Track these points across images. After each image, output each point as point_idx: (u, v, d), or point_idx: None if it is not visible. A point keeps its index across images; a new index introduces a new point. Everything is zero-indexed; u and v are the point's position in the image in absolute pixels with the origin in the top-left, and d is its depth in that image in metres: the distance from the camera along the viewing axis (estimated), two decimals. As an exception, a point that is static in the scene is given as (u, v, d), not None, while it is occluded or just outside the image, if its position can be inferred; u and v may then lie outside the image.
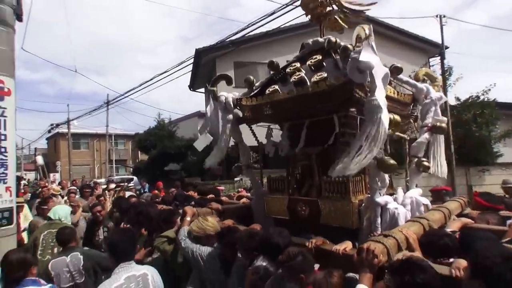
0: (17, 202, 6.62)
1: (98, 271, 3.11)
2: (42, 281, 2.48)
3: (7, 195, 3.37)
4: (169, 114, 21.55)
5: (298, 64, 3.26)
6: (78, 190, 8.73)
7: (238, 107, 3.61)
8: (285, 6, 8.80)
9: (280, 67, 3.52)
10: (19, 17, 3.65)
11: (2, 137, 3.36)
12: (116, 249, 2.30)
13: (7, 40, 3.48)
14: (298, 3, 4.69)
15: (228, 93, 3.64)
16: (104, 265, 3.00)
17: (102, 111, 19.46)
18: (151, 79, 11.86)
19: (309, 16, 3.63)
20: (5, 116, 3.39)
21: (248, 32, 9.63)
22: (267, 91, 3.27)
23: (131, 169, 20.98)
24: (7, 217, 3.34)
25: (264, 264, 2.34)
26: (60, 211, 4.07)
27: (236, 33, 10.03)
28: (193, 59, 11.91)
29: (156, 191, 8.38)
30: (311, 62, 3.13)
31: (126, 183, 12.24)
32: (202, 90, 16.65)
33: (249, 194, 6.08)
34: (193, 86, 15.94)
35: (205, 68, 13.29)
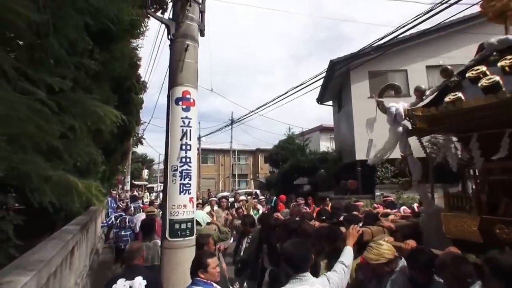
0: (151, 212, 7.32)
1: None
2: (215, 284, 2.50)
3: (190, 206, 3.36)
4: (298, 128, 21.77)
5: (483, 68, 2.87)
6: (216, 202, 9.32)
7: (407, 118, 3.47)
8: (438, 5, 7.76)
9: (455, 72, 3.30)
10: (202, 33, 3.76)
11: (188, 147, 3.40)
12: (291, 260, 2.31)
13: (194, 54, 3.59)
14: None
15: (398, 104, 3.43)
16: None
17: (227, 129, 21.57)
18: (284, 94, 11.95)
19: (487, 14, 3.37)
20: (190, 127, 3.43)
21: (383, 39, 8.81)
22: (447, 99, 2.93)
23: (262, 182, 21.83)
24: (189, 228, 3.32)
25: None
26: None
27: (374, 42, 9.30)
28: (325, 72, 11.51)
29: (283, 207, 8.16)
30: (505, 63, 2.75)
31: (254, 196, 12.51)
32: (330, 103, 16.13)
33: (389, 211, 5.44)
34: (321, 100, 15.54)
35: (336, 80, 12.73)
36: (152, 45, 24.77)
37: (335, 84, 13.23)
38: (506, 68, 2.73)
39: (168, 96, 3.45)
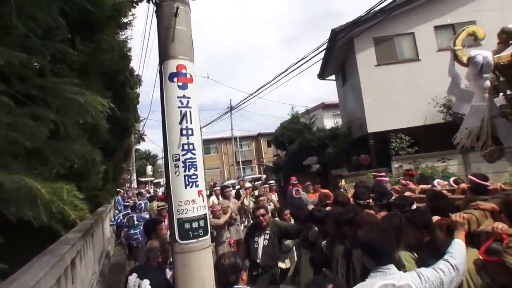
0: (162, 206, 6.92)
1: None
2: None
3: (200, 200, 2.83)
4: (301, 108, 20.95)
5: None
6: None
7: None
8: None
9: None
10: (192, -6, 3.14)
11: (189, 132, 2.85)
12: (373, 248, 1.99)
13: (186, 19, 2.98)
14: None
15: (486, 51, 2.64)
16: None
17: (226, 117, 20.88)
18: (284, 72, 11.31)
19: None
20: (190, 107, 2.87)
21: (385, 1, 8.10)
22: None
23: (269, 166, 21.35)
24: (202, 226, 2.79)
25: None
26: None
27: (379, 3, 8.58)
28: (327, 43, 10.80)
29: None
30: None
31: (262, 181, 12.04)
32: (332, 77, 15.41)
33: (425, 186, 4.62)
34: (323, 75, 14.83)
35: (338, 52, 12.01)
36: (142, 36, 23.93)
37: (338, 55, 12.51)
38: None
39: (160, 72, 2.88)
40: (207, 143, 37.02)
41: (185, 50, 2.92)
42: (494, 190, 3.68)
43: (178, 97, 2.81)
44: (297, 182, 8.80)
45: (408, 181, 5.26)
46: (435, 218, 2.65)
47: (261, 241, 4.11)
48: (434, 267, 1.98)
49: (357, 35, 10.78)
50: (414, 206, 3.20)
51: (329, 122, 20.26)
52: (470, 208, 2.68)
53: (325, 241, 3.35)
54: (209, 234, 2.88)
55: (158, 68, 2.90)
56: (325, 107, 22.91)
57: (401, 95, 10.63)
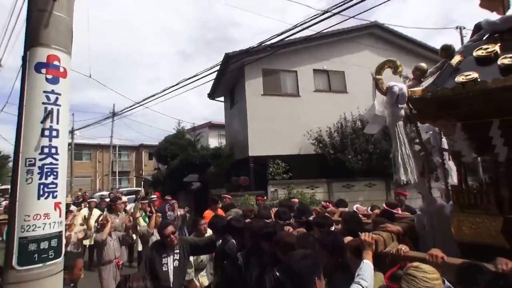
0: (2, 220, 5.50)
1: None
2: None
3: (56, 214, 2.39)
4: (188, 124, 20.32)
5: (495, 47, 2.60)
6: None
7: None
8: (321, 13, 8.51)
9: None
10: (78, -20, 2.78)
11: (53, 133, 2.43)
12: (300, 278, 1.80)
13: (68, 6, 2.61)
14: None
15: (401, 84, 2.93)
16: None
17: (106, 122, 18.85)
18: (174, 86, 11.11)
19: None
20: (59, 105, 2.46)
21: (272, 38, 9.11)
22: (460, 79, 2.53)
23: (148, 180, 19.96)
24: (55, 247, 2.35)
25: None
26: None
27: (271, 38, 9.46)
28: (220, 65, 11.14)
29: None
30: None
31: (140, 195, 11.28)
32: (222, 99, 15.84)
33: (344, 209, 5.03)
34: (213, 95, 15.10)
35: (230, 75, 12.50)
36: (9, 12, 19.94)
37: (229, 79, 13.00)
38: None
39: (24, 59, 2.40)
40: (79, 148, 32.52)
41: (62, 40, 2.53)
42: (401, 217, 4.15)
43: (44, 92, 2.39)
44: (170, 198, 8.54)
45: (328, 203, 5.68)
46: (347, 239, 2.66)
47: (171, 262, 3.59)
48: None
49: (248, 63, 11.46)
50: (333, 228, 3.29)
51: (214, 141, 20.58)
52: (379, 230, 2.83)
53: (240, 253, 3.23)
54: (62, 257, 2.45)
55: (23, 55, 2.42)
56: (212, 126, 23.26)
57: (282, 124, 11.69)
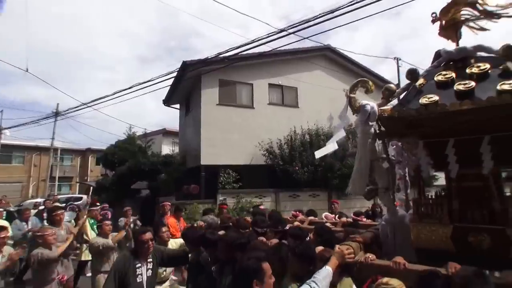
0: None
1: None
2: None
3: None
4: (140, 130, 19.40)
5: (452, 74, 2.92)
6: (45, 213, 6.88)
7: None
8: (277, 32, 9.01)
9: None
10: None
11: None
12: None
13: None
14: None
15: (373, 103, 3.16)
16: None
17: (47, 122, 16.85)
18: (127, 89, 10.86)
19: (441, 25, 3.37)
20: None
21: (230, 50, 9.46)
22: (423, 101, 2.76)
23: (92, 186, 18.71)
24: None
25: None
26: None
27: (228, 50, 9.75)
28: (177, 72, 11.14)
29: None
30: (474, 70, 2.84)
31: (87, 202, 10.67)
32: (177, 106, 15.70)
33: (314, 218, 5.31)
34: (168, 101, 14.91)
35: (186, 83, 12.53)
36: None
37: (185, 86, 13.01)
38: (475, 76, 2.79)
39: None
40: (8, 149, 29.37)
41: None
42: (366, 224, 4.44)
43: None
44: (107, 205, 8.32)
45: (298, 212, 5.83)
46: (319, 248, 2.76)
47: (144, 272, 3.29)
48: None
49: (205, 73, 11.59)
50: (308, 238, 3.32)
51: (167, 148, 20.18)
52: (349, 239, 3.02)
53: (214, 266, 3.14)
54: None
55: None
56: (166, 133, 22.78)
57: (235, 135, 11.92)
